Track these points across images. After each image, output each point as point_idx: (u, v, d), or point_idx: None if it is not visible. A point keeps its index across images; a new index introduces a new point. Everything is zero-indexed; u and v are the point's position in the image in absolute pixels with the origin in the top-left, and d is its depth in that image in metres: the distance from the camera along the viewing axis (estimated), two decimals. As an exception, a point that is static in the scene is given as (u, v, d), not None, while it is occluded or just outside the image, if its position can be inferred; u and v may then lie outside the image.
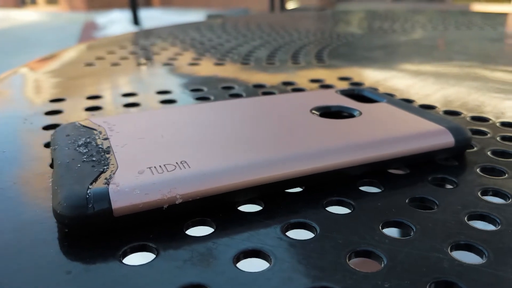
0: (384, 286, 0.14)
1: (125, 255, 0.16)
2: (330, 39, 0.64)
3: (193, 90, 0.37)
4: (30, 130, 0.28)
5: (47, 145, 0.26)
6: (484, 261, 0.15)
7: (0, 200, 0.19)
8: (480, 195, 0.20)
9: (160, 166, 0.19)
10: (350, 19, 0.89)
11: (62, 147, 0.21)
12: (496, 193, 0.20)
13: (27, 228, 0.17)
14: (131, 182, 0.17)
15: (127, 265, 0.15)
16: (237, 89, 0.37)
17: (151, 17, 5.91)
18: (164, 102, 0.34)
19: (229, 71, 0.44)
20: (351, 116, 0.26)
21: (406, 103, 0.27)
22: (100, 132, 0.23)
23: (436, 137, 0.23)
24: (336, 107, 0.27)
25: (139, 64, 0.47)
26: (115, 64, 0.47)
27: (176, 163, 0.19)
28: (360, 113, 0.25)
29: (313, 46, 0.58)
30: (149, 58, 0.51)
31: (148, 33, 0.71)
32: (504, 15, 0.94)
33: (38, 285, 0.14)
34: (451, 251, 0.16)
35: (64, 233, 0.17)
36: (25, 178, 0.22)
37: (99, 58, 0.50)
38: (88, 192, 0.17)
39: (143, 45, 0.59)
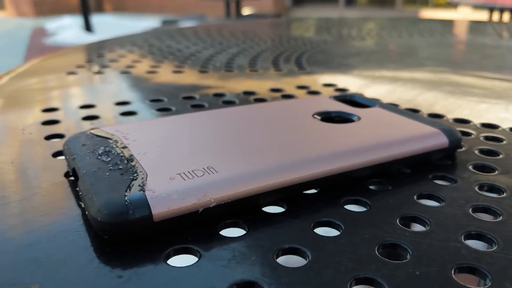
0: (416, 274, 0.16)
1: (168, 258, 0.17)
2: (304, 46, 0.66)
3: (186, 98, 0.38)
4: (32, 140, 0.28)
5: (55, 154, 0.26)
6: (495, 248, 0.17)
7: (25, 210, 0.20)
8: (478, 190, 0.22)
9: (189, 172, 0.19)
10: (314, 26, 0.92)
11: (83, 156, 0.21)
12: (492, 188, 0.22)
13: (63, 237, 0.18)
14: (166, 188, 0.18)
15: (175, 267, 0.16)
16: (228, 96, 0.38)
17: (104, 23, 5.77)
18: (160, 110, 0.34)
19: (215, 78, 0.45)
20: (350, 120, 0.27)
21: (397, 108, 0.29)
22: (116, 141, 0.23)
23: (432, 138, 0.25)
24: (337, 112, 0.28)
25: (122, 73, 0.47)
26: (98, 73, 0.47)
27: (203, 168, 0.20)
28: (359, 118, 0.27)
29: (289, 53, 0.60)
30: (131, 66, 0.51)
31: (123, 40, 0.70)
32: (459, 22, 1.01)
33: (94, 290, 0.15)
34: (465, 240, 0.18)
35: (103, 240, 0.17)
36: (43, 188, 0.22)
37: (80, 67, 0.50)
38: (126, 199, 0.17)
39: (121, 53, 0.59)
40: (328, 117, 0.28)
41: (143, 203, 0.17)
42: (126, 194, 0.18)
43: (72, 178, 0.23)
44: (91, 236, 0.18)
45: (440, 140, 0.25)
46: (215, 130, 0.25)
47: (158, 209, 0.17)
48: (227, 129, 0.25)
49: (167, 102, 0.36)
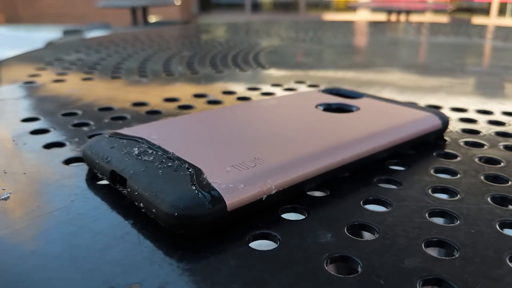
0: (472, 232, 0.18)
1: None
2: (251, 48, 0.68)
3: (167, 100, 0.37)
4: (31, 151, 0.26)
5: (66, 162, 0.24)
6: (519, 206, 0.20)
7: (74, 217, 0.19)
8: (479, 162, 0.25)
9: (240, 163, 0.20)
10: (245, 30, 0.94)
11: (119, 158, 0.21)
12: (489, 160, 0.25)
13: (132, 238, 0.17)
14: (230, 179, 0.19)
15: (268, 250, 0.17)
16: (211, 97, 0.39)
17: (-4, 35, 5.28)
18: (149, 113, 0.34)
19: (185, 81, 0.45)
20: (350, 110, 0.29)
21: (382, 97, 0.32)
22: (146, 142, 0.23)
23: (428, 120, 0.28)
24: (337, 104, 0.30)
25: (83, 80, 0.45)
26: (57, 81, 0.45)
27: (251, 159, 0.20)
28: (358, 108, 0.29)
29: (243, 55, 0.61)
30: (90, 73, 0.48)
31: (70, 46, 0.66)
32: (385, 23, 1.09)
33: (206, 281, 0.15)
34: (492, 202, 0.20)
35: (175, 235, 0.17)
36: (78, 195, 0.21)
37: (34, 75, 0.47)
38: (197, 192, 0.18)
39: (71, 60, 0.56)
40: (329, 108, 0.30)
41: (216, 194, 0.18)
42: (193, 187, 0.18)
43: (105, 181, 0.22)
44: (160, 233, 0.18)
45: (435, 122, 0.28)
46: (236, 125, 0.25)
47: (230, 199, 0.18)
48: (247, 123, 0.26)
49: (151, 105, 0.36)
